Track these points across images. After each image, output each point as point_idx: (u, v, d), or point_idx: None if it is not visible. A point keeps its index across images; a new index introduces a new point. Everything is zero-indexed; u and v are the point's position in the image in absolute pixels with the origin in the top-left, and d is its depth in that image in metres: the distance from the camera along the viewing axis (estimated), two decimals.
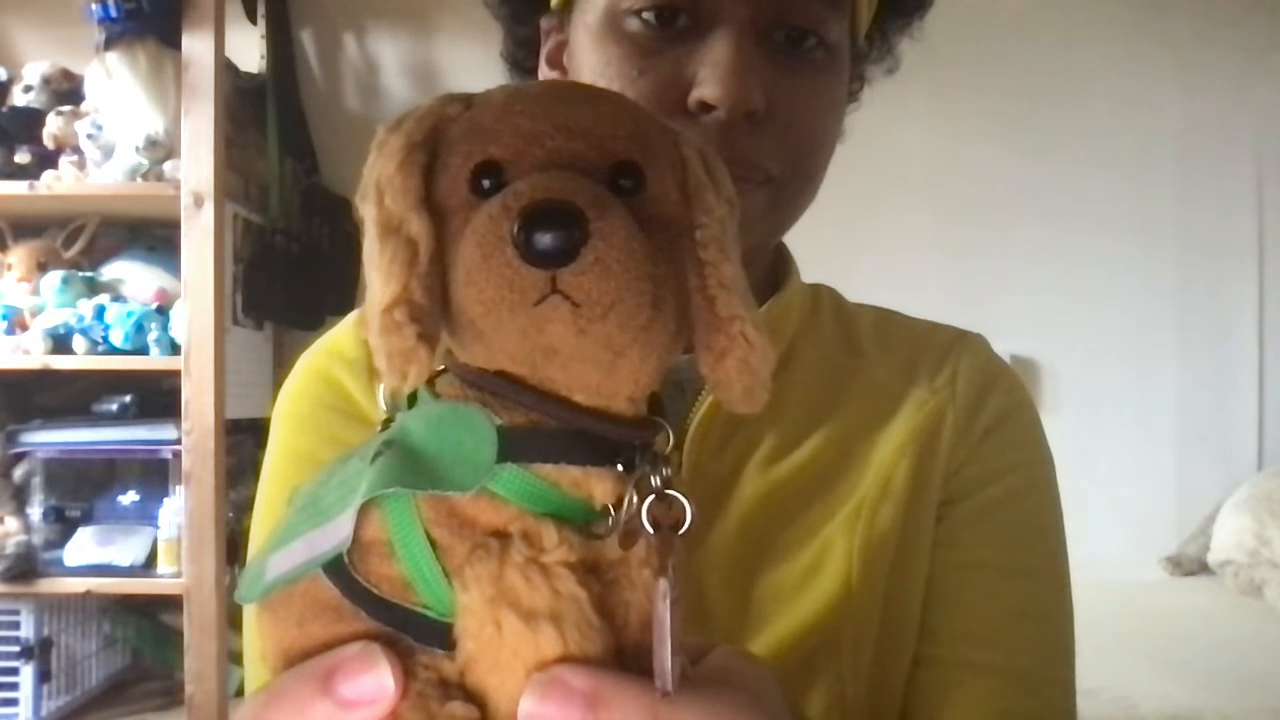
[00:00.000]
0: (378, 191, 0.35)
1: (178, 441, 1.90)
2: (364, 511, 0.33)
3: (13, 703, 1.93)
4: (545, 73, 0.67)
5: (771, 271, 0.69)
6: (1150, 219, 2.59)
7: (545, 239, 0.31)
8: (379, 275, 0.34)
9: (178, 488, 1.92)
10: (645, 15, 0.58)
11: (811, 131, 0.61)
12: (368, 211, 0.35)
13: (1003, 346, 0.71)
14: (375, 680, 0.32)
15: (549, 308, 0.31)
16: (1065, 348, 2.55)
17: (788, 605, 0.59)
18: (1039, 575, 0.64)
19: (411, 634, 0.34)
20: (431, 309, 0.33)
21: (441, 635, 0.33)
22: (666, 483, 0.35)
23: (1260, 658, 1.81)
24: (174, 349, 1.91)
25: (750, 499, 0.60)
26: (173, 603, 1.95)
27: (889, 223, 2.55)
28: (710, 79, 0.56)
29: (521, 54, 0.72)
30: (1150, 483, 2.56)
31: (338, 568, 0.34)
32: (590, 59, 0.60)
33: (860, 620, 0.59)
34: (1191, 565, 2.40)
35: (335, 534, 0.33)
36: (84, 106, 2.04)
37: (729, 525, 0.60)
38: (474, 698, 0.33)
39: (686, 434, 0.59)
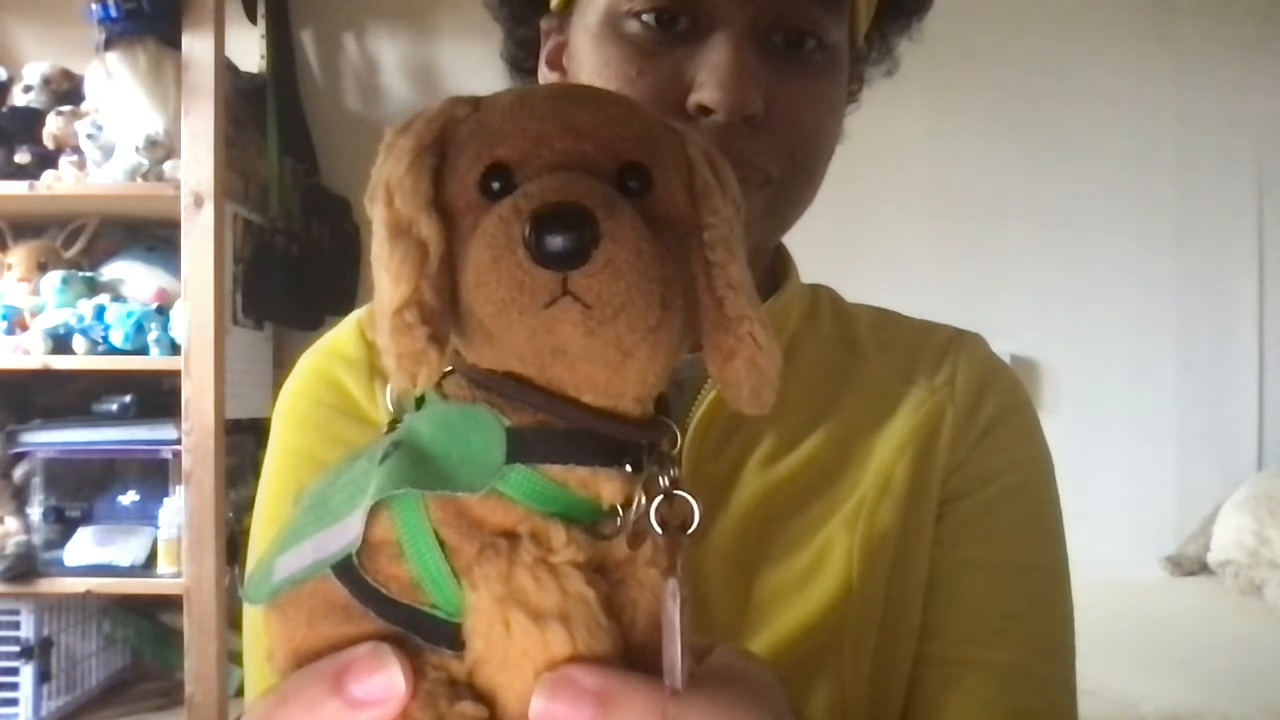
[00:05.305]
0: (387, 193, 0.35)
1: (178, 441, 1.89)
2: (373, 512, 0.33)
3: (13, 703, 1.92)
4: (545, 74, 0.68)
5: (771, 272, 0.69)
6: (1150, 219, 2.60)
7: (556, 241, 0.31)
8: (389, 277, 0.34)
9: (178, 488, 1.91)
10: (645, 17, 0.58)
11: (811, 133, 0.61)
12: (377, 213, 0.35)
13: (1002, 346, 0.71)
14: (385, 680, 0.32)
15: (559, 309, 0.31)
16: (1065, 348, 2.55)
17: (788, 604, 0.59)
18: (1039, 573, 0.64)
19: (420, 634, 0.34)
20: (442, 310, 0.33)
21: (450, 635, 0.33)
22: (674, 483, 0.35)
23: (1260, 658, 1.81)
24: (174, 349, 1.91)
25: (750, 498, 0.61)
26: (173, 603, 1.95)
27: (888, 223, 2.55)
28: (709, 83, 0.56)
29: (521, 55, 0.72)
30: (1150, 483, 2.56)
31: (347, 568, 0.34)
32: (589, 60, 0.60)
33: (861, 619, 0.59)
34: (1191, 565, 2.40)
35: (344, 534, 0.34)
36: (84, 106, 2.04)
37: (729, 525, 0.60)
38: (483, 697, 0.33)
39: (686, 433, 0.59)
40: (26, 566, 1.89)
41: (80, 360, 1.91)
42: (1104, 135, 2.58)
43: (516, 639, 0.32)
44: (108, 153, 1.96)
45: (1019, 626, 0.62)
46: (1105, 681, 1.64)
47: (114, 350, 1.92)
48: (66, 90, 2.10)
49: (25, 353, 1.91)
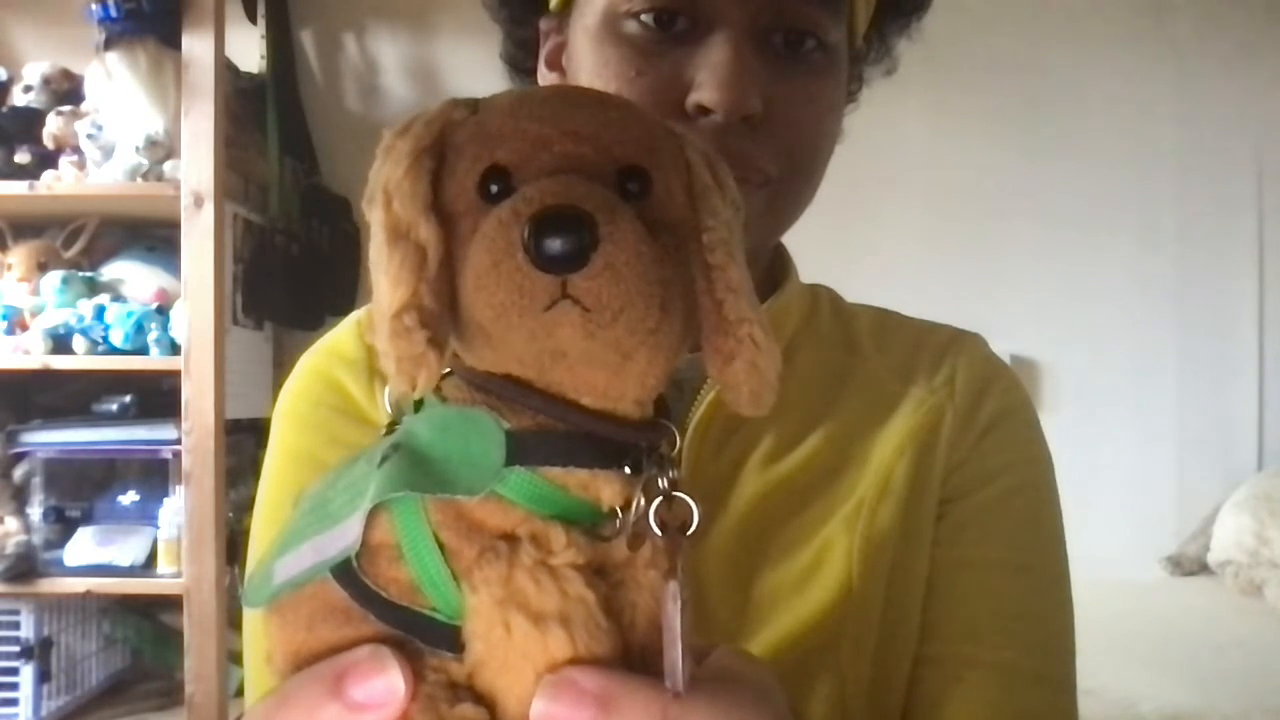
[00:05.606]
0: (385, 196, 0.35)
1: (178, 441, 1.89)
2: (372, 514, 0.33)
3: (13, 703, 1.92)
4: (544, 74, 0.68)
5: (770, 272, 0.69)
6: (1150, 219, 2.59)
7: (556, 244, 0.31)
8: (388, 280, 0.34)
9: (178, 488, 1.91)
10: (644, 18, 0.58)
11: (810, 134, 0.61)
12: (375, 216, 0.35)
13: (1002, 346, 0.71)
14: (385, 683, 0.32)
15: (559, 312, 0.31)
16: (1065, 348, 2.55)
17: (788, 605, 0.59)
18: (1039, 572, 0.64)
19: (420, 637, 0.34)
20: (441, 314, 0.33)
21: (450, 638, 0.33)
22: (674, 484, 0.35)
23: (1260, 658, 1.81)
24: (174, 349, 1.91)
25: (749, 498, 0.61)
26: (173, 603, 1.95)
27: (888, 223, 2.55)
28: (708, 83, 0.56)
29: (520, 55, 0.72)
30: (1150, 483, 2.56)
31: (346, 571, 0.34)
32: (588, 60, 0.60)
33: (861, 620, 0.59)
34: (1191, 565, 2.40)
35: (343, 537, 0.34)
36: (84, 106, 2.04)
37: (728, 525, 0.60)
38: (483, 700, 0.33)
39: (686, 433, 0.59)
40: (26, 566, 1.89)
41: (80, 360, 1.91)
42: (1104, 135, 2.57)
43: (517, 641, 0.32)
44: (108, 153, 1.96)
45: (1019, 626, 0.62)
46: (1105, 681, 1.64)
47: (114, 350, 1.92)
48: (66, 90, 2.10)
49: (25, 353, 1.92)
